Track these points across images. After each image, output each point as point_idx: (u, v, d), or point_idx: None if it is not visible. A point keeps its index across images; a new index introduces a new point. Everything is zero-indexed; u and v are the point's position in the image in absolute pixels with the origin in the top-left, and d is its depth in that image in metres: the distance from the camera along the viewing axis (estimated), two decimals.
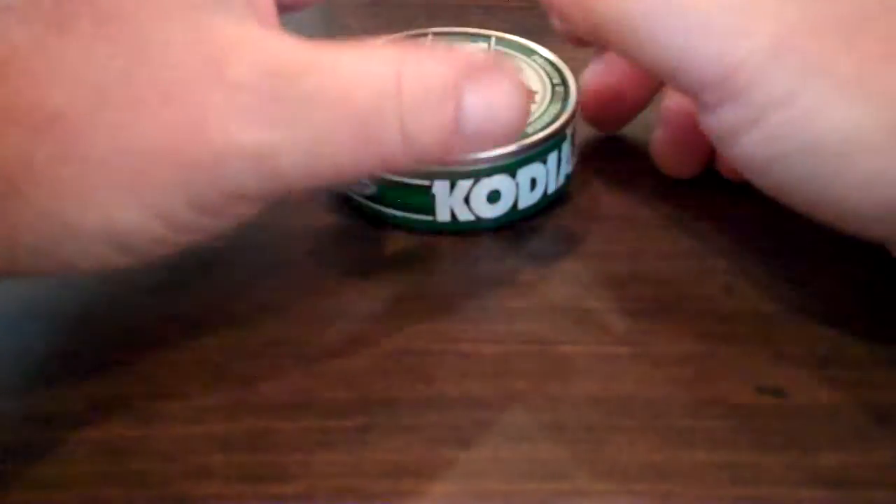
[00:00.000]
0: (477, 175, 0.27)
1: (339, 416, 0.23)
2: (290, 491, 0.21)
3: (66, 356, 0.24)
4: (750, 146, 0.23)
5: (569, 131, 0.29)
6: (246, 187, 0.21)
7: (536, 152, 0.27)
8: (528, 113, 0.25)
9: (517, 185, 0.27)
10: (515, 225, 0.29)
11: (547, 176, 0.28)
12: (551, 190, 0.29)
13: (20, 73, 0.20)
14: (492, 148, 0.26)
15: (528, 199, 0.28)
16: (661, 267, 0.27)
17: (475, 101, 0.22)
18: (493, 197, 0.27)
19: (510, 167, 0.27)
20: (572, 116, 0.28)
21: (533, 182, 0.28)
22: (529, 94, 0.26)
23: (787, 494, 0.21)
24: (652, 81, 0.30)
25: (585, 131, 0.33)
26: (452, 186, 0.27)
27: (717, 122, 0.23)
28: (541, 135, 0.27)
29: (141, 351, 0.24)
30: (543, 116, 0.28)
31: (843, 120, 0.22)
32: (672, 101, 0.30)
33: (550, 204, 0.29)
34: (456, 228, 0.28)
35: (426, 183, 0.27)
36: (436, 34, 0.32)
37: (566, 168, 0.29)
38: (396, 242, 0.28)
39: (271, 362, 0.24)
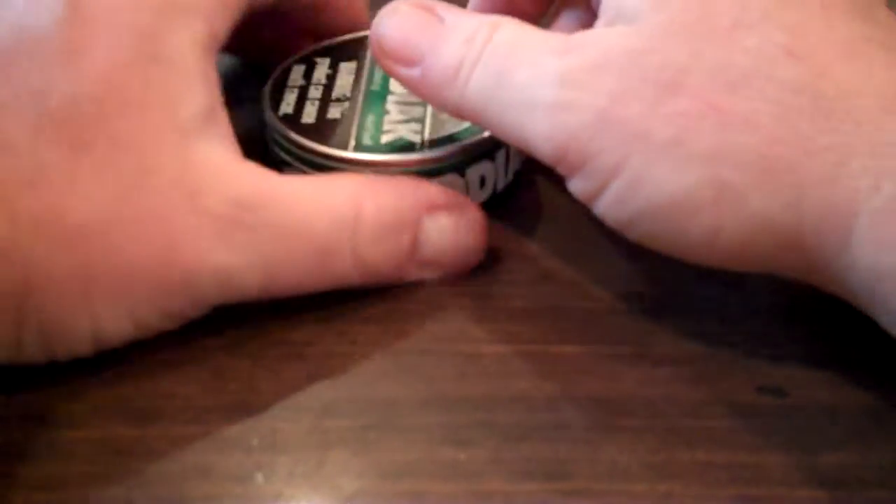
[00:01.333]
0: (428, 175, 0.27)
1: (339, 416, 0.23)
2: (289, 491, 0.21)
3: None
4: (602, 210, 0.23)
5: None
6: (210, 300, 0.24)
7: (485, 150, 0.28)
8: (482, 250, 0.27)
9: (467, 183, 0.28)
10: (515, 225, 0.29)
11: (496, 173, 0.28)
12: (500, 187, 0.29)
13: (48, 190, 0.22)
14: (443, 274, 0.26)
15: (477, 198, 0.28)
16: (660, 267, 0.27)
17: (433, 232, 0.25)
18: None
19: (459, 166, 0.27)
20: None
21: (482, 180, 0.28)
22: (485, 227, 0.27)
23: (787, 494, 0.21)
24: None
25: None
26: None
27: (573, 189, 0.24)
28: (487, 133, 0.27)
29: (141, 351, 0.24)
30: None
31: (668, 183, 0.22)
32: None
33: (549, 202, 0.29)
34: None
35: None
36: (317, 51, 0.32)
37: (515, 165, 0.29)
38: None
39: (271, 362, 0.24)
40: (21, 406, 0.23)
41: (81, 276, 0.22)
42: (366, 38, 0.32)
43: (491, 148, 0.28)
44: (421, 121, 0.28)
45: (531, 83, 0.23)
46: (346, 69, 0.31)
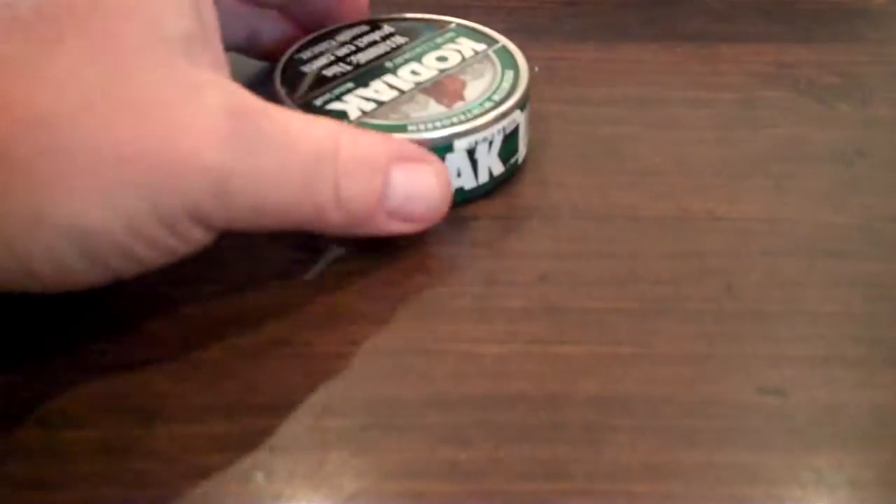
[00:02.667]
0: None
1: (339, 416, 0.23)
2: (289, 491, 0.21)
3: (66, 356, 0.24)
4: None
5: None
6: (202, 204, 0.22)
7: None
8: (448, 202, 0.27)
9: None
10: (515, 225, 0.29)
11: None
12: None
13: (8, 76, 0.21)
14: (412, 227, 0.27)
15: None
16: (660, 267, 0.27)
17: (401, 181, 0.26)
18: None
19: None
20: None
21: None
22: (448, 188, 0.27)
23: (787, 494, 0.21)
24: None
25: (589, 131, 0.33)
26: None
27: None
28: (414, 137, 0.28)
29: (141, 351, 0.24)
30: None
31: None
32: None
33: (549, 202, 0.29)
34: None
35: None
36: (394, 20, 0.33)
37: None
38: (395, 242, 0.28)
39: (271, 362, 0.24)
40: (21, 406, 0.23)
41: (54, 160, 0.21)
42: (447, 22, 0.33)
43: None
44: (380, 103, 0.29)
45: None
46: (394, 42, 0.32)
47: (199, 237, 0.23)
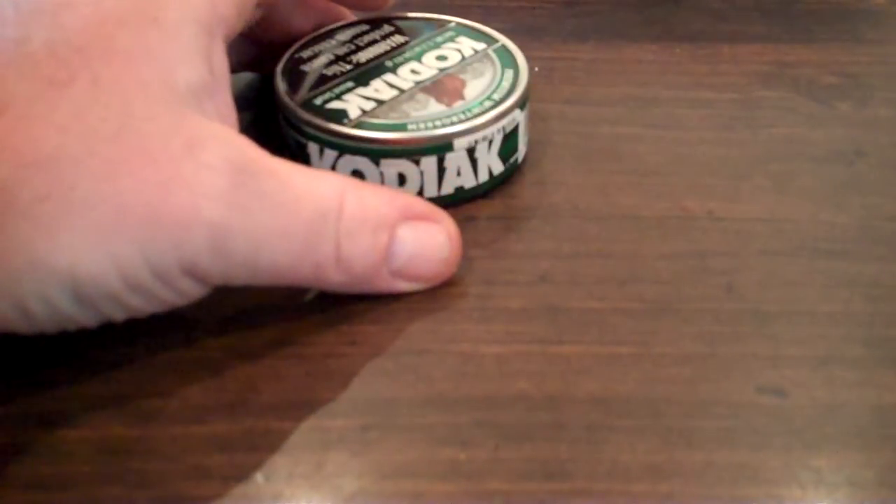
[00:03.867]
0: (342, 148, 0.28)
1: (339, 416, 0.23)
2: (289, 491, 0.21)
3: (66, 356, 0.24)
4: None
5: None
6: (197, 260, 0.22)
7: (401, 151, 0.28)
8: (456, 263, 0.27)
9: (382, 175, 0.28)
10: (515, 225, 0.29)
11: (419, 177, 0.28)
12: (426, 195, 0.29)
13: (16, 118, 0.21)
14: (419, 286, 0.26)
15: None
16: (660, 267, 0.27)
17: (408, 239, 0.25)
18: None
19: (372, 153, 0.28)
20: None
21: (401, 177, 0.28)
22: (460, 247, 0.27)
23: (787, 494, 0.21)
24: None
25: (589, 131, 0.33)
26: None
27: None
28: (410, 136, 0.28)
29: (141, 350, 0.24)
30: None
31: None
32: None
33: (549, 202, 0.29)
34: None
35: None
36: (394, 19, 0.33)
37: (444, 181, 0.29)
38: None
39: (271, 362, 0.24)
40: (21, 406, 0.23)
41: (56, 206, 0.21)
42: (447, 21, 0.33)
43: (412, 151, 0.28)
44: (380, 102, 0.29)
45: None
46: (394, 41, 0.32)
47: (191, 290, 0.23)
